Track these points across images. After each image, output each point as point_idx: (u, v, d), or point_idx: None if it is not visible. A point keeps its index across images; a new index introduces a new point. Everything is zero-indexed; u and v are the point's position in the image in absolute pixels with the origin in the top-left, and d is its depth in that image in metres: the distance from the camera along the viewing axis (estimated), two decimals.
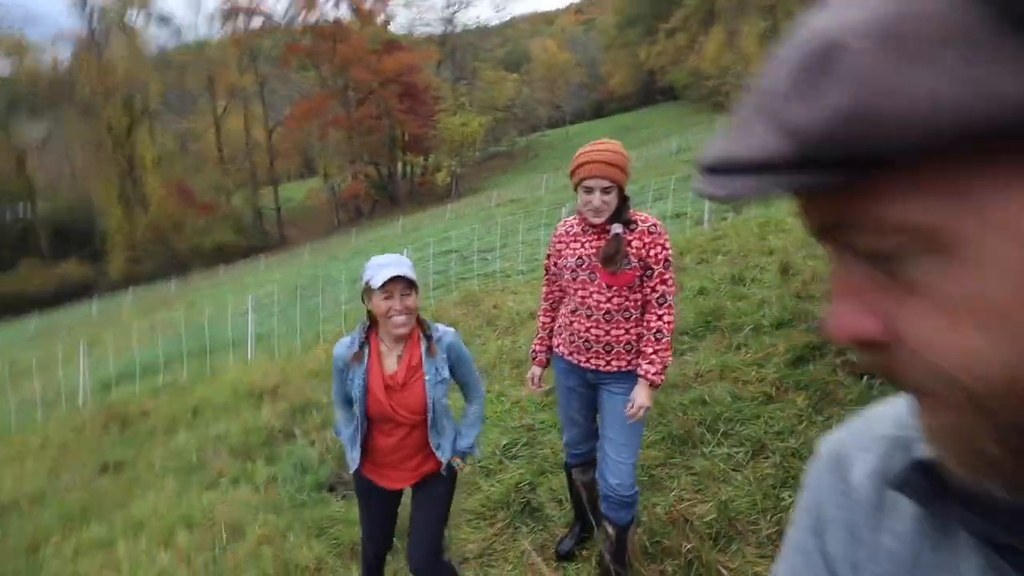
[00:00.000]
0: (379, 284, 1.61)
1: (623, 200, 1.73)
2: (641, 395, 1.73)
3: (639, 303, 1.75)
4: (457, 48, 50.09)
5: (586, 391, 1.92)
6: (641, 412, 1.74)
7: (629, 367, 1.77)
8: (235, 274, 26.11)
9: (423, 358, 1.73)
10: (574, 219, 1.87)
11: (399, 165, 47.05)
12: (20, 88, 37.09)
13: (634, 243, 1.71)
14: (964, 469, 0.27)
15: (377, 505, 1.91)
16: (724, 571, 1.79)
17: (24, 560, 3.29)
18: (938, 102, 0.19)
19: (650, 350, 1.72)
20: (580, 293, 1.79)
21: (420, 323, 1.77)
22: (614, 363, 1.78)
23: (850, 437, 0.38)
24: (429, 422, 1.75)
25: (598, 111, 61.80)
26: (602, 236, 1.75)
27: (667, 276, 1.72)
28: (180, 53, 43.76)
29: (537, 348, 2.07)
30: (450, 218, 23.50)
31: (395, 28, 51.43)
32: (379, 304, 1.65)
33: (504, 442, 3.08)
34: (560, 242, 1.89)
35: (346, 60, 41.03)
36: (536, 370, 2.07)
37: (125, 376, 7.88)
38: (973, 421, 0.25)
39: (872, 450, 0.36)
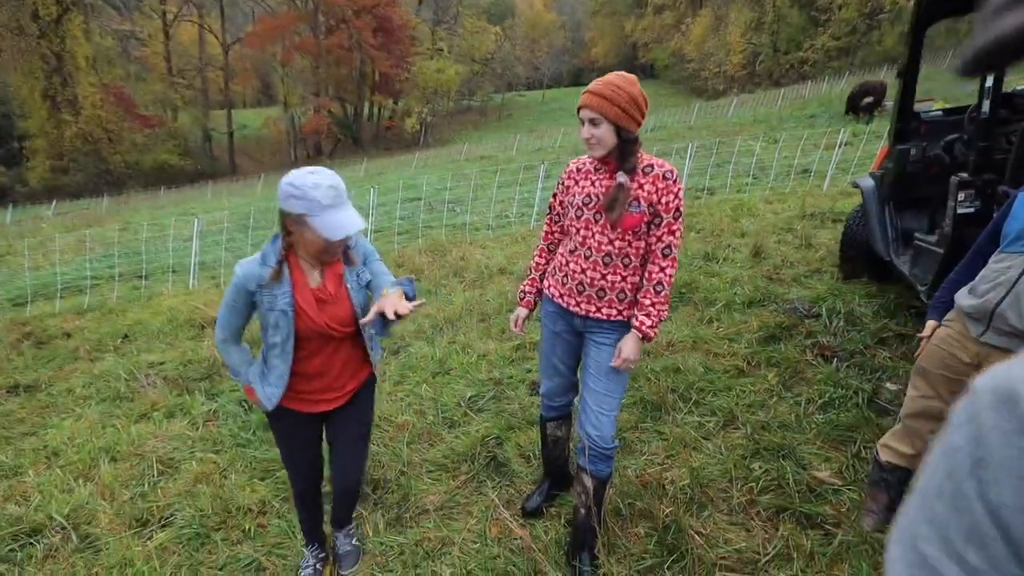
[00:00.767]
0: (339, 237, 1.44)
1: (629, 142, 1.61)
2: (629, 346, 1.66)
3: (640, 251, 1.66)
4: None
5: (572, 338, 1.84)
6: (627, 365, 1.67)
7: (619, 317, 1.69)
8: (178, 198, 24.23)
9: (344, 268, 1.66)
10: (588, 157, 1.75)
11: (366, 105, 44.53)
12: None
13: (646, 187, 1.61)
14: None
15: (303, 437, 1.77)
16: (697, 536, 1.76)
17: None
18: None
19: (648, 301, 1.64)
20: (582, 233, 1.69)
21: None
22: (604, 310, 1.70)
23: (1019, 372, 0.32)
24: (360, 328, 1.69)
25: (577, 78, 60.67)
26: (613, 177, 1.66)
27: (675, 227, 1.64)
28: None
29: (527, 288, 1.95)
30: (417, 166, 22.64)
31: None
32: (315, 242, 1.49)
33: (470, 394, 2.95)
34: (570, 178, 1.78)
35: None
36: (521, 311, 1.94)
37: (43, 293, 7.15)
38: None
39: None
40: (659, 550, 1.74)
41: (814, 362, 2.89)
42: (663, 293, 1.64)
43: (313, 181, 1.45)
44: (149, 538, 2.23)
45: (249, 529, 2.21)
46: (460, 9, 47.53)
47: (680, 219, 1.64)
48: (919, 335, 1.80)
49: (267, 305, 1.56)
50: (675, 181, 1.62)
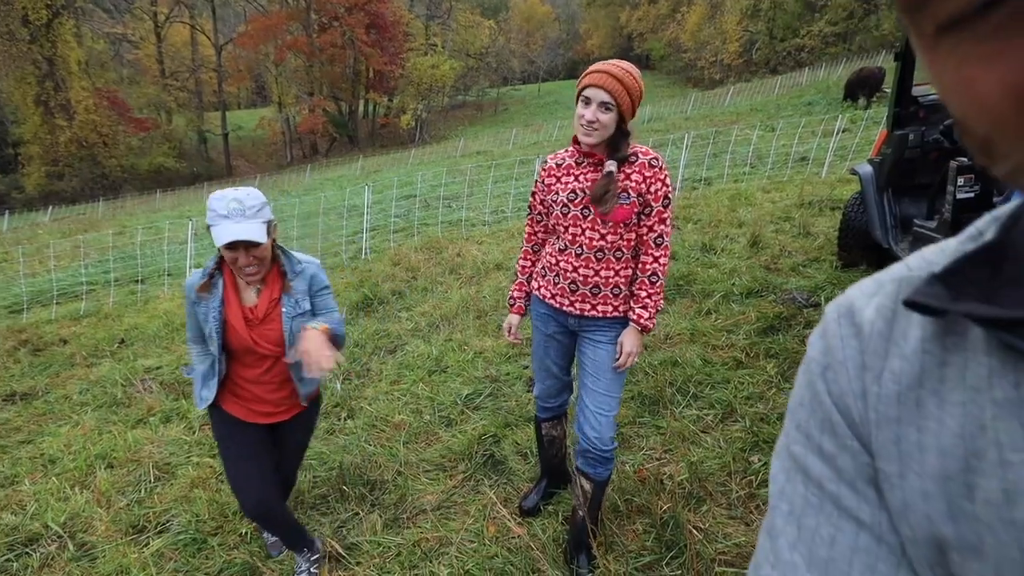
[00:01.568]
0: (220, 244, 1.47)
1: (624, 134, 1.55)
2: (631, 340, 1.61)
3: (632, 243, 1.61)
4: None
5: (565, 339, 1.79)
6: (631, 360, 1.63)
7: (615, 313, 1.64)
8: (174, 201, 24.18)
9: (282, 291, 1.68)
10: (566, 151, 1.69)
11: (361, 103, 44.32)
12: None
13: (633, 176, 1.56)
14: None
15: (246, 443, 1.76)
16: (695, 531, 1.74)
17: None
18: None
19: (644, 293, 1.60)
20: (571, 230, 1.62)
21: (279, 256, 1.69)
22: (600, 308, 1.64)
23: (857, 290, 0.39)
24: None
25: (572, 70, 60.34)
26: (598, 169, 1.59)
27: (665, 215, 1.59)
28: None
29: (515, 294, 1.88)
30: (413, 163, 22.56)
31: None
32: (224, 253, 1.54)
33: (466, 392, 2.93)
34: (550, 176, 1.69)
35: None
36: (513, 318, 1.87)
37: (39, 300, 7.13)
38: None
39: (881, 292, 0.37)
40: (657, 546, 1.72)
41: None
42: (658, 283, 1.60)
43: (221, 194, 1.52)
44: (145, 544, 2.22)
45: (245, 534, 2.19)
46: (453, 3, 47.21)
47: (670, 206, 1.60)
48: None
49: (203, 316, 1.64)
50: (661, 168, 1.57)
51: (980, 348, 0.31)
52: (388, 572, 1.92)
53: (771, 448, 2.18)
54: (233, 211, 1.48)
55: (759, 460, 2.11)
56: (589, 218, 1.60)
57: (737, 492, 1.96)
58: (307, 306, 1.69)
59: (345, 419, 2.92)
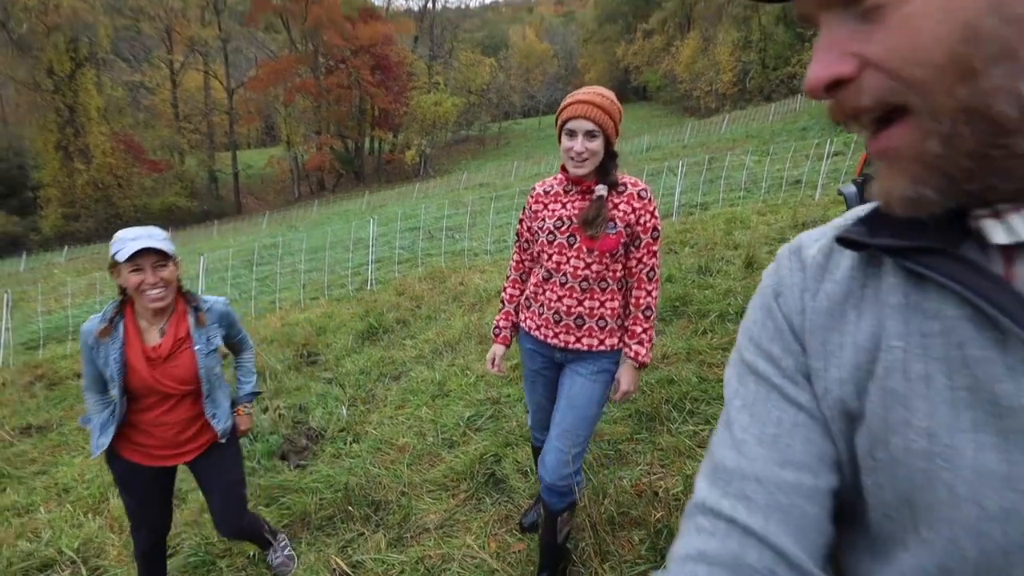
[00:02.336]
0: (125, 257, 1.53)
1: (610, 156, 1.56)
2: (628, 378, 1.60)
3: (618, 274, 1.60)
4: (435, 25, 48.83)
5: (552, 374, 1.75)
6: (628, 397, 1.62)
7: (601, 347, 1.62)
8: (185, 238, 24.72)
9: (191, 329, 1.71)
10: (555, 178, 1.69)
11: (367, 140, 45.61)
12: None
13: (621, 207, 1.55)
14: (907, 181, 0.35)
15: (146, 487, 1.80)
16: None
17: None
18: None
19: (639, 329, 1.58)
20: (556, 258, 1.61)
21: (184, 295, 1.74)
22: (584, 340, 1.61)
23: (806, 235, 0.50)
24: (204, 393, 1.74)
25: None
26: (586, 197, 1.57)
27: (655, 247, 1.58)
28: None
29: (501, 323, 1.81)
30: (418, 197, 23.04)
31: None
32: (129, 278, 1.58)
33: (468, 414, 3.01)
34: (538, 202, 1.69)
35: (318, 22, 39.15)
36: (498, 349, 1.80)
37: (55, 336, 7.31)
38: (924, 125, 0.33)
39: (822, 237, 0.48)
40: (652, 555, 1.77)
41: None
42: (652, 318, 1.59)
43: (126, 231, 1.61)
44: None
45: (253, 555, 2.25)
46: (455, 44, 49.10)
47: (659, 239, 1.59)
48: None
49: (102, 360, 1.64)
50: (650, 199, 1.57)
51: (889, 272, 0.41)
52: None
53: None
54: (139, 235, 1.58)
55: None
56: (575, 246, 1.58)
57: None
58: (218, 342, 1.76)
59: (351, 443, 3.00)
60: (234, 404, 1.91)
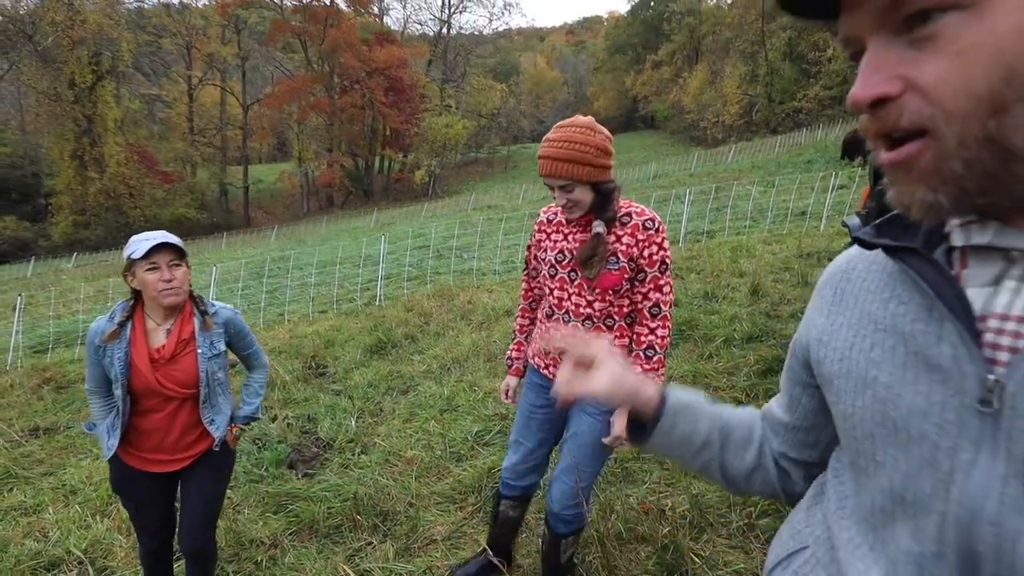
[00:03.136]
0: (142, 253, 1.56)
1: (607, 193, 1.45)
2: (622, 422, 1.57)
3: (624, 310, 1.51)
4: (449, 50, 50.11)
5: (554, 413, 1.66)
6: (619, 442, 1.50)
7: None
8: (194, 249, 24.97)
9: (196, 331, 1.71)
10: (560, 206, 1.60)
11: (377, 159, 46.38)
12: None
13: (624, 239, 1.45)
14: (927, 189, 0.40)
15: (148, 492, 1.79)
16: (696, 559, 1.81)
17: None
18: None
19: (639, 370, 1.46)
20: (557, 294, 1.54)
21: (193, 299, 1.75)
22: None
23: (834, 262, 0.63)
24: (202, 397, 1.73)
25: None
26: (588, 229, 1.49)
27: (663, 282, 1.47)
28: (159, 14, 41.86)
29: (513, 355, 1.76)
30: (426, 216, 23.31)
31: (389, 22, 51.18)
32: (145, 278, 1.60)
33: (477, 429, 3.04)
34: (541, 231, 1.61)
35: (335, 45, 40.26)
36: (511, 380, 1.75)
37: (64, 341, 7.37)
38: (945, 149, 0.37)
39: (841, 257, 0.61)
40: (659, 570, 1.79)
41: None
42: (655, 358, 1.46)
43: (139, 235, 1.65)
44: None
45: (261, 561, 2.27)
46: (468, 68, 50.25)
47: (668, 272, 1.47)
48: None
49: (108, 359, 1.65)
50: (658, 230, 1.45)
51: (886, 269, 0.51)
52: None
53: None
54: (154, 235, 1.62)
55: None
56: (576, 283, 1.50)
57: (737, 523, 2.02)
58: (222, 347, 1.75)
59: (359, 454, 3.02)
60: (231, 420, 1.88)
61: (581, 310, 1.50)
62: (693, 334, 4.01)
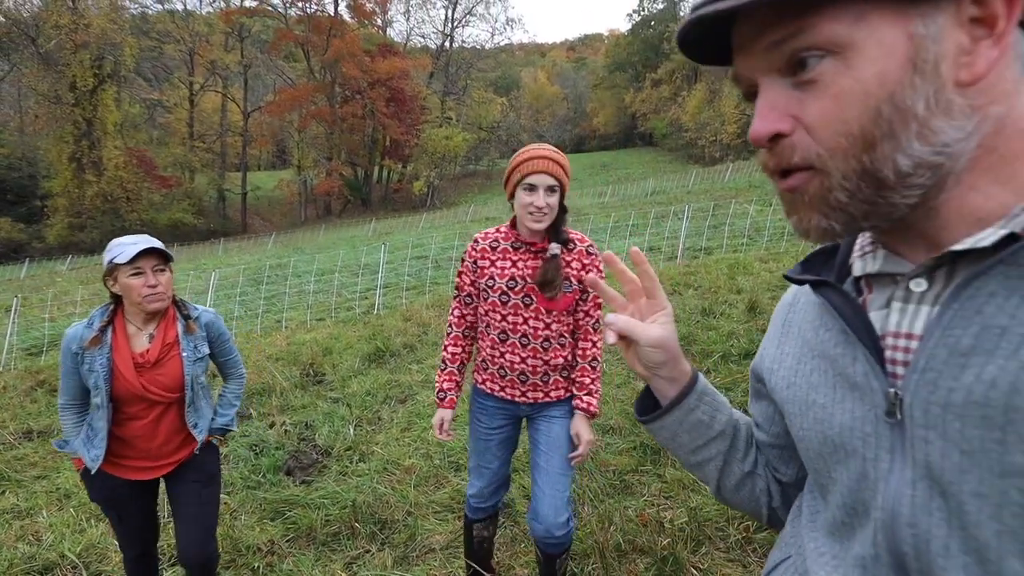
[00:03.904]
0: (128, 259, 1.54)
1: (562, 211, 1.57)
2: (585, 428, 1.60)
3: (571, 326, 1.64)
4: (451, 63, 50.71)
5: (513, 431, 1.73)
6: (590, 446, 1.62)
7: (568, 394, 1.66)
8: (190, 254, 24.93)
9: (180, 335, 1.69)
10: (498, 231, 1.66)
11: (376, 169, 46.60)
12: None
13: (573, 264, 1.58)
14: (819, 216, 0.44)
15: (131, 501, 1.75)
16: (695, 571, 1.82)
17: None
18: None
19: (588, 380, 1.61)
20: (511, 319, 1.58)
21: (176, 303, 1.74)
22: (552, 393, 1.64)
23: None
24: (187, 401, 1.71)
25: (579, 145, 63.55)
26: (538, 256, 1.57)
27: (600, 300, 1.63)
28: (163, 20, 42.18)
29: (446, 386, 1.71)
30: (424, 227, 23.39)
31: (391, 34, 51.79)
32: (129, 283, 1.58)
33: None
34: (484, 258, 1.63)
35: (338, 55, 40.67)
36: (446, 413, 1.70)
37: (57, 343, 7.32)
38: (829, 182, 0.42)
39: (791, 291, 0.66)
40: None
41: None
42: (599, 367, 1.64)
43: (122, 238, 1.63)
44: None
45: (258, 568, 2.26)
46: (469, 82, 50.81)
47: None
48: None
49: (87, 366, 1.60)
50: (596, 255, 1.61)
51: (815, 300, 0.56)
52: None
53: None
54: (138, 240, 1.59)
55: None
56: (531, 307, 1.56)
57: (735, 536, 2.04)
58: (205, 351, 1.74)
59: (357, 462, 3.02)
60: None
61: (539, 332, 1.58)
62: (691, 349, 4.05)
